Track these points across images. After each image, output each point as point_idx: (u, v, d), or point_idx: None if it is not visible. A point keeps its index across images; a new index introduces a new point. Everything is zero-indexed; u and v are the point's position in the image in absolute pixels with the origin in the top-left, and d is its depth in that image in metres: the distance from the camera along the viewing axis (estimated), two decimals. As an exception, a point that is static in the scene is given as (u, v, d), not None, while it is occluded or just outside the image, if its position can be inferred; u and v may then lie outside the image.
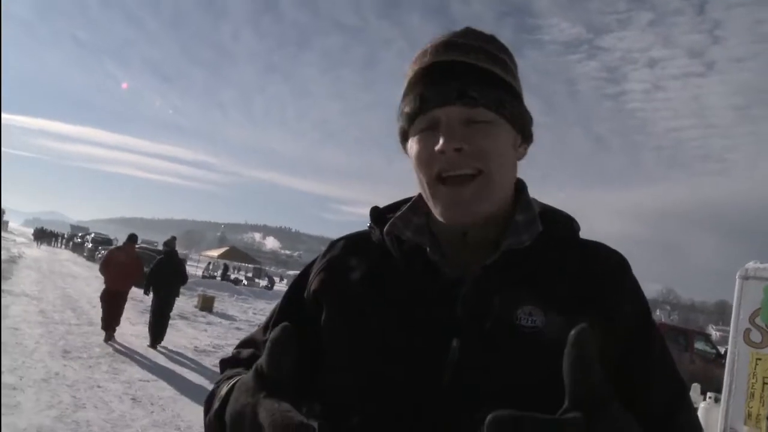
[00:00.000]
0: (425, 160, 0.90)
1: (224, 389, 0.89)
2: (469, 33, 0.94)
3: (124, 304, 10.91)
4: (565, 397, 0.63)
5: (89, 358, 8.30)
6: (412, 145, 0.93)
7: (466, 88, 0.87)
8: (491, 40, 0.95)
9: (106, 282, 10.74)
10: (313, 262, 1.07)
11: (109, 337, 10.07)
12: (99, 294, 10.87)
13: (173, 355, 9.70)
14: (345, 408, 0.89)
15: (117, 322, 10.54)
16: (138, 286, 11.71)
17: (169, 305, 10.94)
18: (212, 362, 9.51)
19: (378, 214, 1.04)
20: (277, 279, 48.79)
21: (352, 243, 1.05)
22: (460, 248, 0.94)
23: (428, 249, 0.94)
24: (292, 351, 0.74)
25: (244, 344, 1.10)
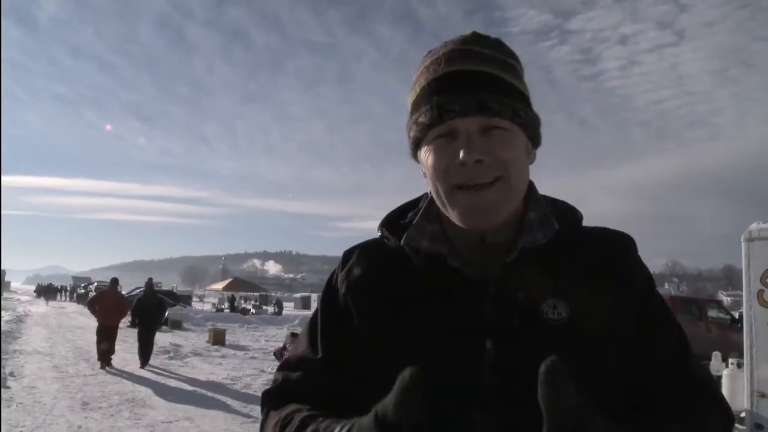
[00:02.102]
0: (443, 170, 0.90)
1: None
2: (478, 39, 0.95)
3: (116, 334, 12.90)
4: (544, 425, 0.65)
5: (109, 407, 8.26)
6: (428, 153, 0.93)
7: (485, 98, 0.88)
8: (499, 45, 0.96)
9: (98, 319, 12.73)
10: (334, 273, 1.07)
11: (105, 363, 12.01)
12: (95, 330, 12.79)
13: (192, 393, 9.65)
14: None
15: (112, 351, 12.49)
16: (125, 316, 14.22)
17: (153, 332, 13.26)
18: (232, 395, 9.48)
19: (390, 222, 1.05)
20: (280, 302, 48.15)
21: (368, 251, 1.05)
22: (478, 251, 0.95)
23: (447, 257, 0.95)
24: (421, 398, 0.66)
25: (289, 367, 1.04)
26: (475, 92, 0.88)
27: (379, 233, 1.05)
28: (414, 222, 1.01)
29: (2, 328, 18.53)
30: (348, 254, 1.06)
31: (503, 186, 0.89)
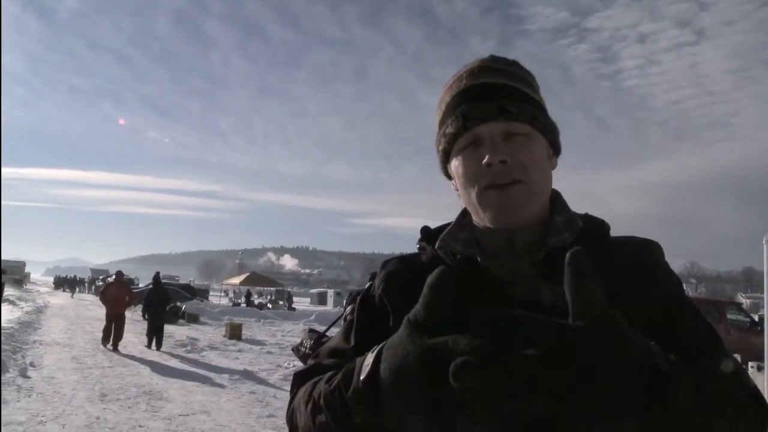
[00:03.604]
0: (473, 175, 0.98)
1: (362, 363, 0.79)
2: (496, 59, 1.05)
3: (124, 321, 14.79)
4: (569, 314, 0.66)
5: (127, 399, 8.37)
6: (457, 163, 1.01)
7: (505, 104, 0.96)
8: (516, 64, 1.05)
9: (106, 308, 14.75)
10: (372, 281, 1.13)
11: (107, 343, 13.98)
12: (105, 320, 14.66)
13: (209, 387, 9.73)
14: None
15: (120, 336, 14.28)
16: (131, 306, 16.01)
17: (160, 320, 15.13)
18: (248, 389, 9.52)
19: (428, 233, 1.12)
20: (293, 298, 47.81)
21: (405, 258, 1.13)
22: (507, 253, 1.01)
23: (479, 258, 1.01)
24: (450, 296, 0.69)
25: (321, 355, 1.09)
26: (495, 99, 0.97)
27: (417, 247, 1.13)
28: (448, 230, 1.08)
29: (23, 319, 18.89)
30: (386, 262, 1.14)
31: (523, 188, 0.96)
